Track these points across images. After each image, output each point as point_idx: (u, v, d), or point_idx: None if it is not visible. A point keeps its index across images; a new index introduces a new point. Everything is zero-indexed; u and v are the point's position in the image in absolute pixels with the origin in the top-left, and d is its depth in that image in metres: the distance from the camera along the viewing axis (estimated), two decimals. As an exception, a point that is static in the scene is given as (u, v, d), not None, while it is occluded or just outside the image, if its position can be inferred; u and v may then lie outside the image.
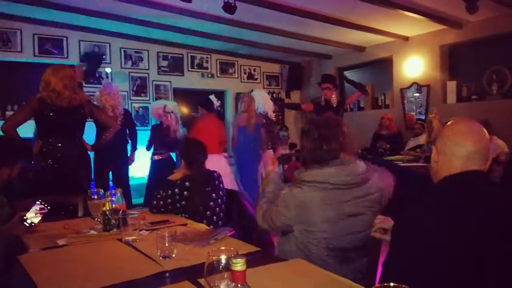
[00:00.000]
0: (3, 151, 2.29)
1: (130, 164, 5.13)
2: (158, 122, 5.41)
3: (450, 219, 1.21)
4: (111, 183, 4.87)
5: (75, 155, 3.23)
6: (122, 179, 4.87)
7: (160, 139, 5.21)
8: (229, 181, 4.82)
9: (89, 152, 3.53)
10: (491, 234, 1.18)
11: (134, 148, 5.16)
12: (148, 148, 5.45)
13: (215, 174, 2.74)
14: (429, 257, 1.18)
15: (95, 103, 4.61)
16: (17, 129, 3.12)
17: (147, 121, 7.01)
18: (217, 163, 4.89)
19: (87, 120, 3.42)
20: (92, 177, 4.65)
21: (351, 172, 1.85)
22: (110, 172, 4.90)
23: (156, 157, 5.24)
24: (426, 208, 1.28)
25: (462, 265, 1.16)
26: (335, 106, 5.35)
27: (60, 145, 3.16)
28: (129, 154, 5.09)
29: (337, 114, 5.30)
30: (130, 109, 6.95)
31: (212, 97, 5.31)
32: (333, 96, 5.38)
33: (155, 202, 2.54)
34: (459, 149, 1.30)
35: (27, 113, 3.17)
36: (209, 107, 5.17)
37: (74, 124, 3.26)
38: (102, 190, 2.21)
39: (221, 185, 2.72)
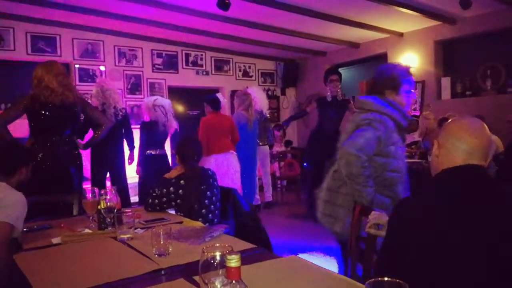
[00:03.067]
0: (20, 151, 2.30)
1: (130, 163, 5.06)
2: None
3: (450, 212, 1.20)
4: (108, 183, 4.86)
5: (66, 153, 3.21)
6: (120, 178, 4.84)
7: (150, 135, 5.13)
8: (233, 182, 4.84)
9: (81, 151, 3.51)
10: (491, 230, 1.17)
11: (132, 147, 5.07)
12: (141, 146, 5.34)
13: (209, 172, 2.74)
14: (425, 252, 1.18)
15: (89, 100, 4.59)
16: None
17: (141, 119, 6.99)
18: (229, 161, 4.93)
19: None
20: (88, 175, 4.66)
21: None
22: (108, 171, 4.87)
23: (148, 152, 5.15)
24: (423, 201, 1.28)
25: (460, 261, 1.16)
26: (344, 100, 5.27)
27: (51, 143, 3.14)
28: (126, 153, 5.02)
29: (343, 110, 5.28)
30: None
31: (219, 95, 5.28)
32: (339, 90, 5.26)
33: (150, 200, 2.54)
34: (461, 144, 1.31)
35: (18, 111, 3.14)
36: (215, 106, 5.11)
37: (66, 122, 3.24)
38: (97, 189, 2.20)
39: (215, 183, 2.72)
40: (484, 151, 1.32)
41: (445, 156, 1.35)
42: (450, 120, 1.44)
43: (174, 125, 5.21)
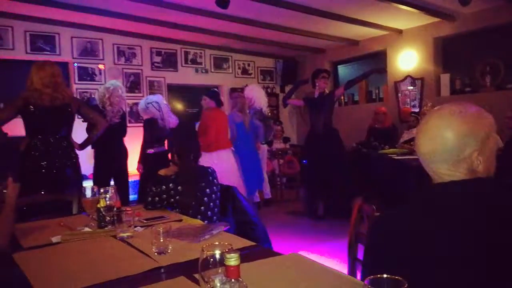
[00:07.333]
0: None
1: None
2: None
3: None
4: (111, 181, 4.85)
5: (61, 153, 3.20)
6: (124, 177, 4.81)
7: (152, 132, 5.16)
8: (236, 178, 4.85)
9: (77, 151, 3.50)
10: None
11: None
12: (143, 143, 5.35)
13: (209, 169, 2.74)
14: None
15: (97, 101, 4.58)
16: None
17: (141, 117, 6.97)
18: (227, 159, 4.95)
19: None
20: (87, 174, 4.65)
21: None
22: (113, 171, 4.85)
23: (150, 151, 5.17)
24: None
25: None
26: (327, 94, 5.44)
27: (45, 143, 3.14)
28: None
29: (332, 102, 5.44)
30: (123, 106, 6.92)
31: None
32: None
33: (150, 199, 2.53)
34: (427, 152, 1.19)
35: (11, 112, 3.13)
36: (219, 100, 5.13)
37: (59, 122, 3.24)
38: (96, 187, 2.20)
39: (215, 180, 2.72)
40: (448, 153, 1.15)
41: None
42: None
43: (172, 119, 5.20)
